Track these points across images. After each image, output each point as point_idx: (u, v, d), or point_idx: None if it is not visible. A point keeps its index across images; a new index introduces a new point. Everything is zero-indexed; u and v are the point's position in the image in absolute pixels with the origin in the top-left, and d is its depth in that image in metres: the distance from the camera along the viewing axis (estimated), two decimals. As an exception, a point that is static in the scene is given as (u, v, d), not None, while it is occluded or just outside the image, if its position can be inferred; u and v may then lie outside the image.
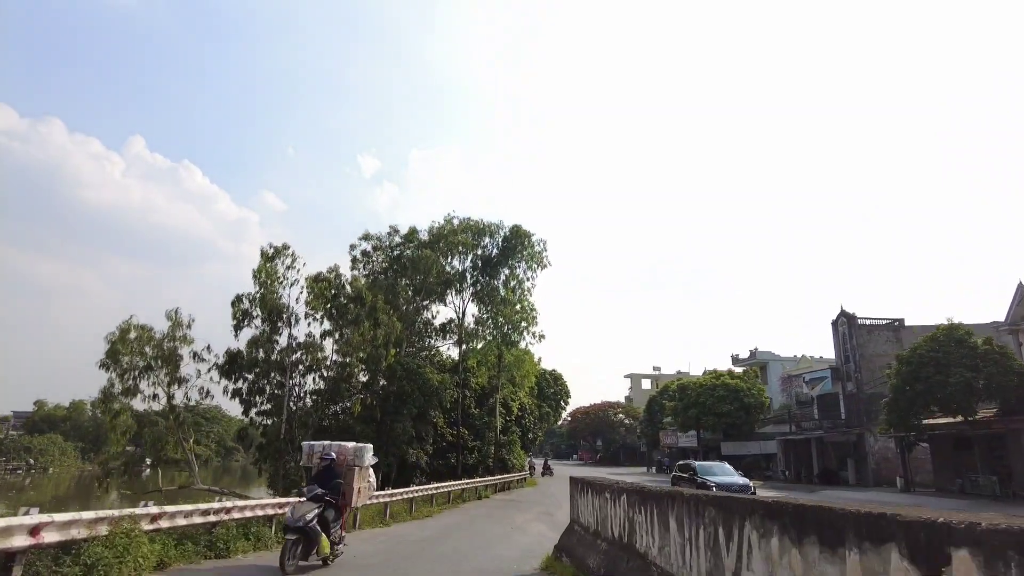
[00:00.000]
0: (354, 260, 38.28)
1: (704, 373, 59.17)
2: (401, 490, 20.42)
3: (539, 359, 43.68)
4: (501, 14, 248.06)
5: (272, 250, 28.37)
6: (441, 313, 44.89)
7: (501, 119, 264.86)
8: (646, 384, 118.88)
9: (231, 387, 29.87)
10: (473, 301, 43.25)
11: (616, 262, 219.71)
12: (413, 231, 39.37)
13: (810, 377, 46.08)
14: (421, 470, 36.34)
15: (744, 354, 74.82)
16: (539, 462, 64.35)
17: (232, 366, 29.38)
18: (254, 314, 27.99)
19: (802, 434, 45.13)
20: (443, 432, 43.34)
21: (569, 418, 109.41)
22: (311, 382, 30.22)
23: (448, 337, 42.16)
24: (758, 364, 68.14)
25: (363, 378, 34.06)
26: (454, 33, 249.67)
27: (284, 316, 28.65)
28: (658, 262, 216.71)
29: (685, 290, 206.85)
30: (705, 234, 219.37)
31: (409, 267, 37.67)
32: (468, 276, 43.53)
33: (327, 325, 30.40)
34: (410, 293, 38.55)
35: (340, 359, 30.01)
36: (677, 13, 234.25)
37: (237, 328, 28.21)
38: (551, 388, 63.92)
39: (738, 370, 60.14)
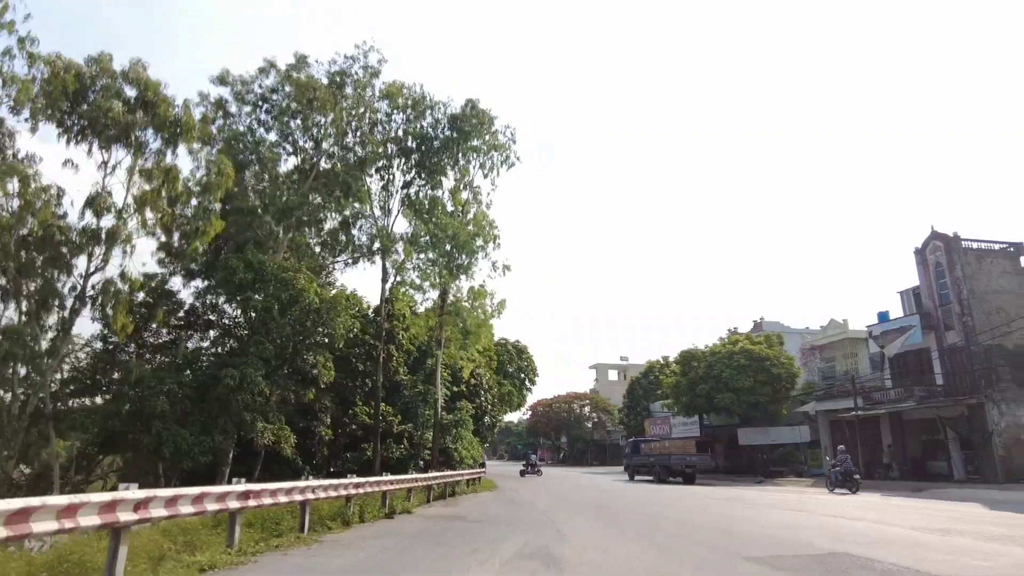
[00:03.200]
0: (204, 119, 22.65)
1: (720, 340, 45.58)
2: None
3: (502, 301, 29.07)
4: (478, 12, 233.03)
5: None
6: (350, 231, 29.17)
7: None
8: (613, 375, 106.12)
9: None
10: (405, 212, 28.34)
11: (574, 246, 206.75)
12: (301, 62, 23.77)
13: (882, 331, 32.91)
14: (294, 466, 21.18)
15: (745, 327, 61.90)
16: (492, 462, 49.69)
17: None
18: None
19: (874, 409, 31.75)
20: (356, 411, 28.42)
21: (528, 412, 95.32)
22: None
23: (364, 258, 27.03)
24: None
25: (180, 290, 18.87)
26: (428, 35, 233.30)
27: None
28: (621, 243, 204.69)
29: (656, 271, 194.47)
30: (675, 205, 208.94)
31: (288, 119, 22.49)
32: (396, 172, 28.61)
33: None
34: (293, 173, 23.35)
35: (101, 225, 14.63)
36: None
37: None
38: (513, 363, 49.34)
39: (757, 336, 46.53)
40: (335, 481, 12.09)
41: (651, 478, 35.64)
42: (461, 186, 29.74)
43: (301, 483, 10.64)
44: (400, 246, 28.09)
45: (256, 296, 16.46)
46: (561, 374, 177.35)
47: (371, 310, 30.45)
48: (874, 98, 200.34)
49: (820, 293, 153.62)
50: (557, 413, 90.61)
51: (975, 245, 30.13)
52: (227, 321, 18.36)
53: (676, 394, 44.13)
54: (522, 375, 50.17)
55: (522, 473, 41.32)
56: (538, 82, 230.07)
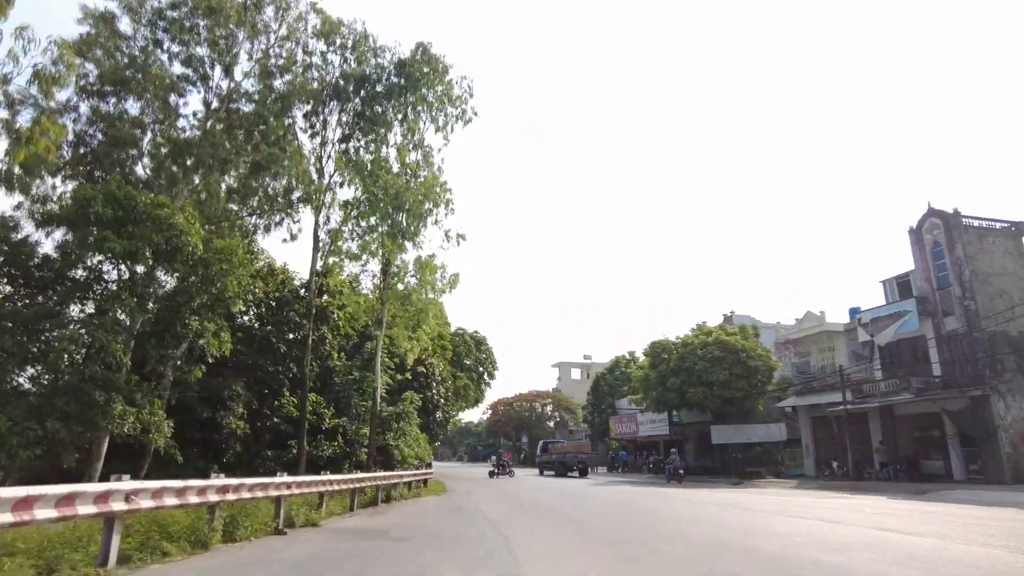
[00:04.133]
0: (83, 40, 18.16)
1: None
2: None
3: (455, 275, 25.15)
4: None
5: None
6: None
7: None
8: (576, 374, 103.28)
9: None
10: (338, 163, 24.28)
11: (541, 241, 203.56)
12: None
13: (872, 318, 30.11)
14: (197, 466, 17.08)
15: (713, 322, 59.29)
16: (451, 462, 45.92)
17: None
18: None
19: (864, 403, 28.94)
20: (283, 401, 24.33)
21: (488, 412, 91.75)
22: None
23: (286, 214, 22.76)
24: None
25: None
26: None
27: None
28: (586, 239, 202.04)
29: (622, 266, 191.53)
30: (641, 197, 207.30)
31: (191, 40, 18.21)
32: (331, 118, 24.54)
33: None
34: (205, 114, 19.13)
35: None
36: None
37: None
38: (471, 355, 45.41)
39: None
40: (178, 483, 8.04)
41: (553, 472, 42.70)
42: (410, 145, 25.88)
43: (97, 486, 6.60)
44: (330, 198, 23.99)
45: (118, 239, 12.22)
46: (523, 373, 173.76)
47: (303, 288, 26.32)
48: (849, 83, 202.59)
49: (791, 288, 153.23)
50: (518, 412, 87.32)
51: (975, 223, 27.56)
52: (84, 273, 14.06)
53: (645, 388, 40.86)
54: (480, 368, 46.28)
55: (492, 475, 37.70)
56: (524, 64, 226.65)
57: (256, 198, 20.29)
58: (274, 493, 10.69)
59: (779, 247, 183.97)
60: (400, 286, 24.51)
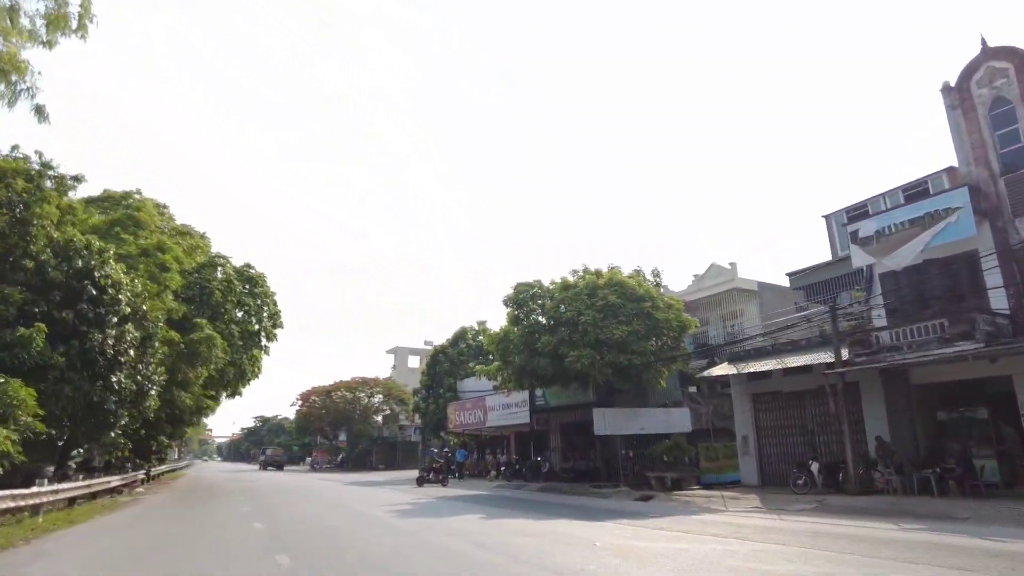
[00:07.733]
0: None
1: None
2: None
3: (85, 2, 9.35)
4: None
5: None
6: None
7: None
8: (413, 362, 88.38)
9: None
10: None
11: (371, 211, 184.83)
12: None
13: (877, 228, 18.56)
14: None
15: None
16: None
17: None
18: None
19: (873, 363, 17.24)
20: None
21: (300, 402, 73.77)
22: None
23: None
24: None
25: None
26: None
27: None
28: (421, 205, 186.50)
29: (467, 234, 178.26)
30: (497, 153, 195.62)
31: None
32: None
33: None
34: None
35: None
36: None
37: None
38: (233, 298, 28.52)
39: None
40: None
41: (257, 467, 63.18)
42: None
43: None
44: None
45: None
46: (353, 361, 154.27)
47: None
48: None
49: (672, 252, 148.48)
50: (337, 404, 70.14)
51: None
52: None
53: (503, 353, 27.09)
54: (253, 319, 29.63)
55: (419, 482, 28.82)
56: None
57: None
58: None
59: (662, 201, 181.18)
60: None
